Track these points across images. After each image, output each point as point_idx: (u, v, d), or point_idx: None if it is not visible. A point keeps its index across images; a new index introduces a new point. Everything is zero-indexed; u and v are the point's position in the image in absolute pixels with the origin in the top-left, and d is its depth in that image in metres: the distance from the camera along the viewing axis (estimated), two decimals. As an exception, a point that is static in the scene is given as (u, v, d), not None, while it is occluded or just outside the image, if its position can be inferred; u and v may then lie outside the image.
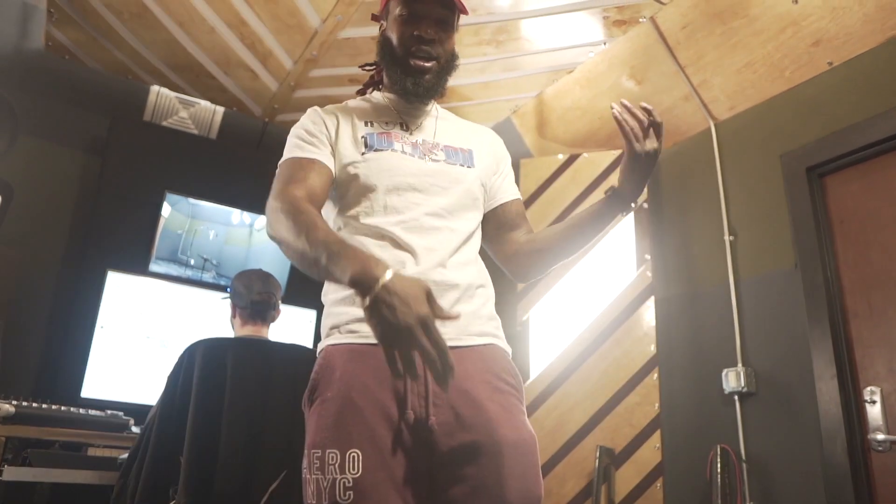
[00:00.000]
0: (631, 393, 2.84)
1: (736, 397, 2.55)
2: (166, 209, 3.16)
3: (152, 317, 2.93)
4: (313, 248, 1.08)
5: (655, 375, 2.81)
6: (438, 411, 1.17)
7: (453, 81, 3.27)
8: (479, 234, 1.40)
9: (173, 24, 2.77)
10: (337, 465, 1.12)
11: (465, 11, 1.41)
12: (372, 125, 1.38)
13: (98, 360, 2.77)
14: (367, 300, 0.95)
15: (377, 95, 1.48)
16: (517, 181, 1.57)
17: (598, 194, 3.12)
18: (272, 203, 1.21)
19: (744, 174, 2.75)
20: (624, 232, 3.06)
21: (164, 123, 3.30)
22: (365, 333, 1.18)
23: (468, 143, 1.44)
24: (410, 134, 1.39)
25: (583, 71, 2.97)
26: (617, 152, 3.13)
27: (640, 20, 2.62)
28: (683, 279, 2.92)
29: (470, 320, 1.25)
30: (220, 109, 3.37)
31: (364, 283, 0.97)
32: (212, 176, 3.35)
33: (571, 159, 3.26)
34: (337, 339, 1.24)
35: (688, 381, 2.78)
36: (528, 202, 3.23)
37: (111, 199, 3.11)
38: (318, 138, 1.34)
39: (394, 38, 1.37)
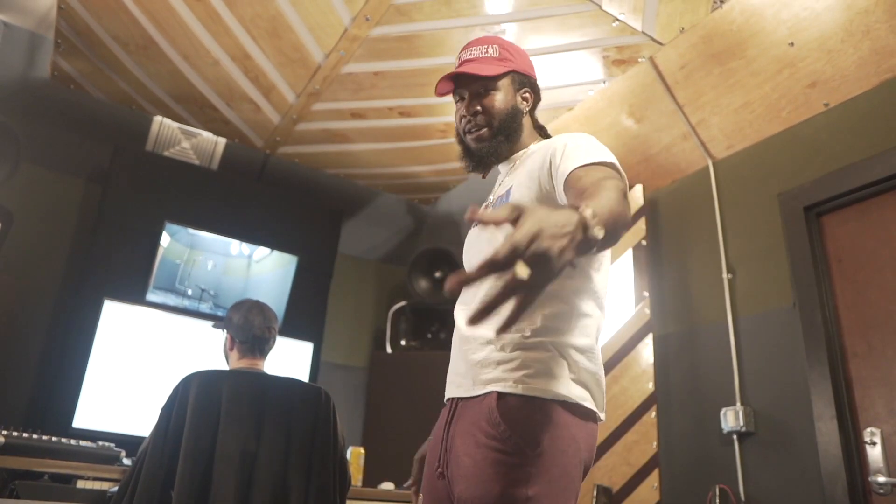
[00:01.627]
0: (629, 431, 2.81)
1: (735, 437, 2.52)
2: (165, 239, 3.16)
3: (148, 347, 2.91)
4: None
5: (654, 413, 2.79)
6: (450, 465, 1.29)
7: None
8: None
9: (178, 56, 2.81)
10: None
11: (487, 74, 1.44)
12: (486, 207, 1.53)
13: (91, 389, 2.74)
14: None
15: None
16: None
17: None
18: None
19: (742, 212, 2.76)
20: (622, 269, 3.06)
21: (166, 153, 3.32)
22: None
23: (514, 180, 1.41)
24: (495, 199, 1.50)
25: (582, 109, 3.00)
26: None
27: (640, 60, 2.66)
28: (682, 317, 2.91)
29: (479, 370, 1.30)
30: (222, 141, 3.40)
31: None
32: (212, 206, 3.36)
33: (570, 195, 3.27)
34: None
35: (686, 420, 2.76)
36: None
37: (111, 227, 3.11)
38: None
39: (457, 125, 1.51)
